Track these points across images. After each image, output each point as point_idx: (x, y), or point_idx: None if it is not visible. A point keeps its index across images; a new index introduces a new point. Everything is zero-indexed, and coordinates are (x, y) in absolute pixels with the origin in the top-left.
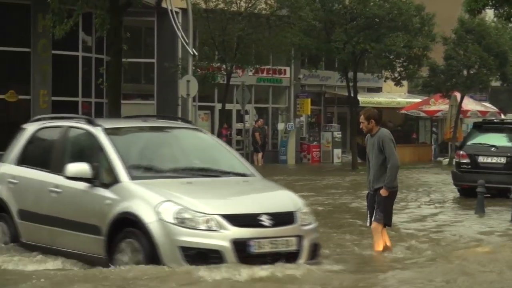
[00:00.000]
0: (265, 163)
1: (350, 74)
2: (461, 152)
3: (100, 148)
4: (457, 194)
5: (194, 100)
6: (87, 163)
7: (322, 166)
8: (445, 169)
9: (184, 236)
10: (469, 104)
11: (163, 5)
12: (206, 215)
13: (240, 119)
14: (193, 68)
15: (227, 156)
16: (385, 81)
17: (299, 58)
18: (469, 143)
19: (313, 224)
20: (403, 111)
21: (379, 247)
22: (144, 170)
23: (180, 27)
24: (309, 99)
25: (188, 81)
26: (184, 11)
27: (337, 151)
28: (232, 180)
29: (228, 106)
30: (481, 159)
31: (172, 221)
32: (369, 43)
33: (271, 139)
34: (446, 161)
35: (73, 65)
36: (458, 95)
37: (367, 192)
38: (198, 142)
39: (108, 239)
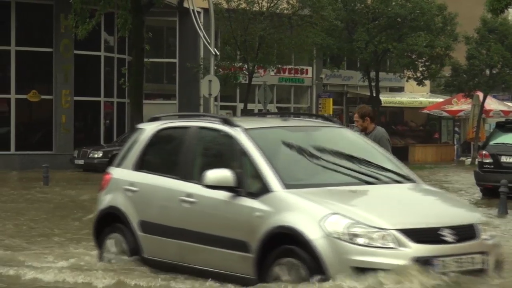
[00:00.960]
0: None
1: (372, 74)
2: (484, 152)
3: (242, 152)
4: (480, 194)
5: (216, 100)
6: (228, 169)
7: None
8: (468, 169)
9: (357, 255)
10: (492, 104)
11: (185, 5)
12: (382, 230)
13: None
14: (215, 68)
15: (381, 159)
16: (407, 80)
17: (321, 58)
18: (491, 142)
19: (495, 237)
20: (425, 111)
21: None
22: (297, 177)
23: (202, 27)
24: (331, 99)
25: (210, 81)
26: (206, 11)
27: None
28: (396, 187)
29: (250, 106)
30: (504, 158)
31: (342, 237)
32: (391, 43)
33: None
34: (468, 161)
35: (95, 65)
36: (480, 94)
37: None
38: (348, 142)
39: (259, 257)
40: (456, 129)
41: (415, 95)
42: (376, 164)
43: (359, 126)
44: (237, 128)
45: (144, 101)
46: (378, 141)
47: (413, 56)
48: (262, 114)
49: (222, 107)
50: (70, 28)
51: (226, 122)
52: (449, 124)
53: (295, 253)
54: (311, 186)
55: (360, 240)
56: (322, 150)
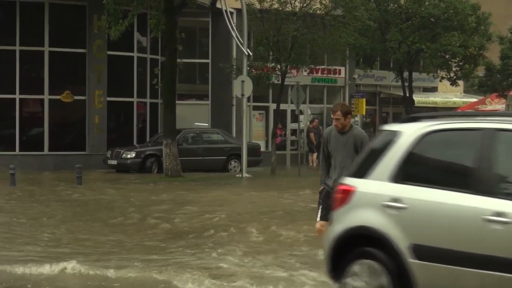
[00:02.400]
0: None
1: (405, 74)
2: None
3: None
4: None
5: (248, 100)
6: None
7: None
8: None
9: None
10: None
11: (218, 5)
12: None
13: (295, 119)
14: (248, 68)
15: None
16: (440, 80)
17: (354, 58)
18: None
19: None
20: (458, 111)
21: None
22: None
23: (234, 28)
24: (364, 99)
25: (242, 81)
26: (239, 11)
27: None
28: None
29: (282, 106)
30: None
31: None
32: (424, 43)
33: None
34: None
35: (128, 65)
36: None
37: (321, 187)
38: None
39: None
40: None
41: (449, 95)
42: None
43: (340, 124)
44: None
45: (177, 102)
46: (360, 140)
47: (447, 56)
48: None
49: (255, 108)
50: (103, 28)
51: None
52: None
53: None
54: None
55: None
56: None
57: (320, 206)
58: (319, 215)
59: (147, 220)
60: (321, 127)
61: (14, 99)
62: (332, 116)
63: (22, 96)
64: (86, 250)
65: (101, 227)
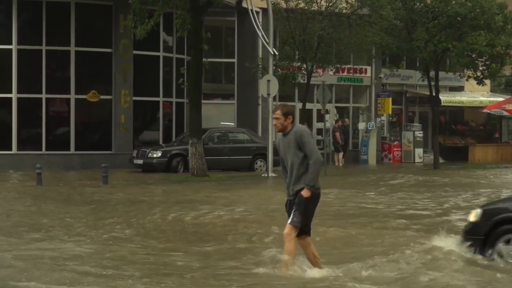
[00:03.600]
0: (346, 163)
1: (432, 73)
2: None
3: None
4: None
5: (274, 99)
6: None
7: (403, 166)
8: None
9: None
10: None
11: (244, 5)
12: None
13: (321, 118)
14: (274, 67)
15: None
16: (467, 80)
17: (380, 57)
18: None
19: None
20: (485, 110)
21: (290, 254)
22: None
23: (260, 27)
24: (390, 98)
25: (268, 80)
26: (265, 10)
27: (419, 151)
28: None
29: (308, 106)
30: None
31: None
32: (451, 42)
33: (352, 138)
34: None
35: (154, 65)
36: None
37: (286, 200)
38: None
39: None
40: None
41: (475, 95)
42: None
43: (279, 125)
44: None
45: (203, 101)
46: (299, 135)
47: (473, 55)
48: None
49: None
50: (129, 28)
51: None
52: (510, 123)
53: None
54: None
55: None
56: None
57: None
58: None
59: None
60: (348, 127)
61: (41, 98)
62: (272, 116)
63: (49, 96)
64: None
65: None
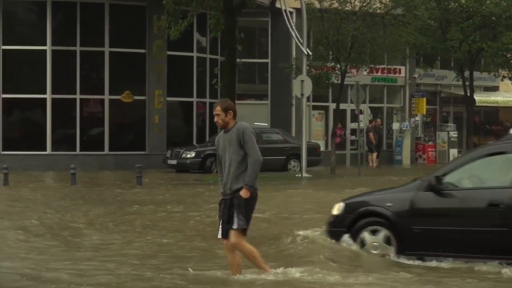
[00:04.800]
0: (379, 163)
1: (466, 73)
2: None
3: None
4: None
5: (308, 100)
6: None
7: (438, 166)
8: None
9: None
10: None
11: (277, 5)
12: None
13: (355, 119)
14: (307, 68)
15: None
16: (502, 80)
17: (414, 57)
18: None
19: None
20: None
21: (252, 253)
22: None
23: (294, 27)
24: (425, 99)
25: (302, 81)
26: (298, 11)
27: (453, 151)
28: None
29: (342, 106)
30: None
31: None
32: (485, 42)
33: (386, 139)
34: None
35: (188, 65)
36: None
37: (221, 199)
38: None
39: None
40: None
41: (510, 95)
42: None
43: (220, 121)
44: None
45: (237, 102)
46: (241, 132)
47: (508, 55)
48: None
49: (314, 107)
50: (162, 29)
51: None
52: None
53: None
54: None
55: None
56: None
57: (220, 221)
58: (220, 231)
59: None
60: (381, 127)
61: (75, 99)
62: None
63: (83, 96)
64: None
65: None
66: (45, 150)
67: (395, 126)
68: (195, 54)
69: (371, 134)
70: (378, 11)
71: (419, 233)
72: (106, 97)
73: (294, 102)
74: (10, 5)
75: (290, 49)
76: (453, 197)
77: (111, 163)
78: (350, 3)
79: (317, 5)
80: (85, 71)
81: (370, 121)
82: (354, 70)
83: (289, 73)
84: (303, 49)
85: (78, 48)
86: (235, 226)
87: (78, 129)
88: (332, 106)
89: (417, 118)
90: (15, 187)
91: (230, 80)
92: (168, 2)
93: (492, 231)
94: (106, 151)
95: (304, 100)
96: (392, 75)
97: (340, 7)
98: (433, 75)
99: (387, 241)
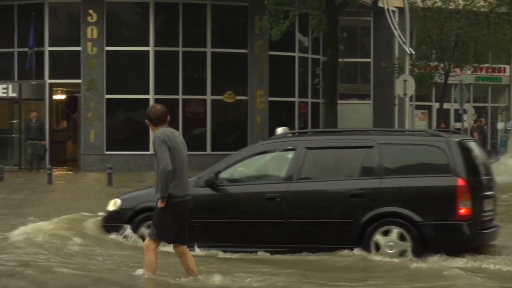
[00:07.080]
0: None
1: None
2: None
3: None
4: None
5: (411, 99)
6: None
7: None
8: None
9: None
10: None
11: (380, 4)
12: None
13: (458, 118)
14: (410, 67)
15: None
16: None
17: None
18: None
19: None
20: None
21: (150, 268)
22: None
23: (397, 26)
24: None
25: (405, 80)
26: (401, 10)
27: None
28: None
29: (445, 106)
30: None
31: None
32: None
33: (490, 138)
34: None
35: (290, 65)
36: None
37: None
38: None
39: None
40: None
41: None
42: None
43: (152, 130)
44: None
45: (338, 101)
46: (153, 142)
47: None
48: None
49: (417, 107)
50: (264, 29)
51: None
52: None
53: None
54: None
55: None
56: None
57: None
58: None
59: None
60: (485, 126)
61: (178, 99)
62: None
63: (185, 97)
64: None
65: None
66: (148, 150)
67: (500, 125)
68: (297, 54)
69: (475, 134)
70: (482, 9)
71: (198, 226)
72: (208, 97)
73: (397, 101)
74: (114, 7)
75: (392, 49)
76: (228, 192)
77: (212, 163)
78: (454, 1)
79: (420, 4)
80: (188, 72)
81: (475, 121)
82: (457, 70)
83: (392, 73)
84: (406, 48)
85: (180, 49)
86: (148, 235)
87: (180, 129)
88: (435, 105)
89: None
90: (117, 188)
91: (332, 80)
92: (269, 3)
93: (269, 222)
94: (208, 151)
95: (407, 99)
96: (496, 74)
97: (443, 6)
98: None
99: None
